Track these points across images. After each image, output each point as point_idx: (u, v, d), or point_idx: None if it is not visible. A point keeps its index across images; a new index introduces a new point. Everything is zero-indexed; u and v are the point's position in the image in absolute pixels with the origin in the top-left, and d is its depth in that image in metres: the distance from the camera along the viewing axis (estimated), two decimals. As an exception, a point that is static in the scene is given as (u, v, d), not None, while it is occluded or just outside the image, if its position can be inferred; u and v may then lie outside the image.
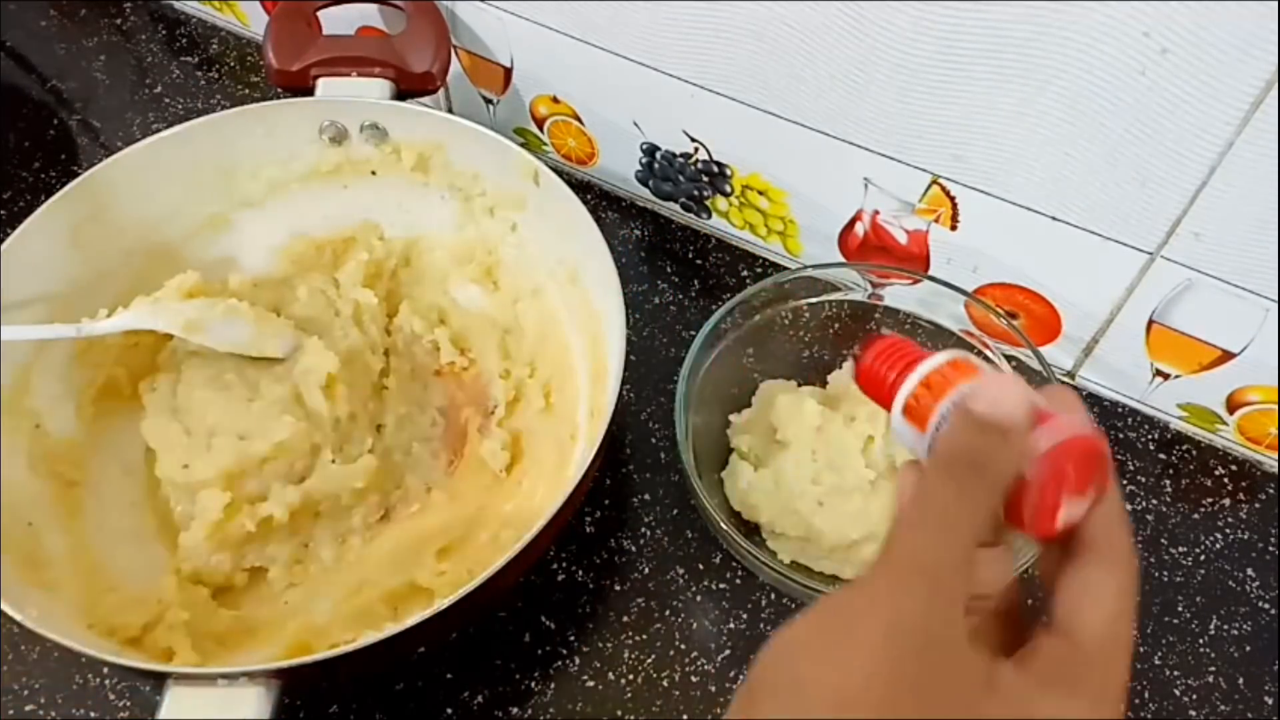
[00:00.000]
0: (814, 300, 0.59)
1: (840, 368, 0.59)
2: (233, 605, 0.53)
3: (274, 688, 0.43)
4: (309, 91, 0.60)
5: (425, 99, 0.62)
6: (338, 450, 0.55)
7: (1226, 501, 0.59)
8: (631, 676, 0.52)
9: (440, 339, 0.62)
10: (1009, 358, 0.56)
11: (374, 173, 0.62)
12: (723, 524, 0.49)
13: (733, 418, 0.58)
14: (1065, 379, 0.63)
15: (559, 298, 0.60)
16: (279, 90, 0.62)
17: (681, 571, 0.55)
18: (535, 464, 0.58)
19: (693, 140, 0.63)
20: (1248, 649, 0.54)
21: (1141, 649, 0.53)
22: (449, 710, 0.51)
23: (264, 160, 0.61)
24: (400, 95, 0.60)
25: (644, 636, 0.53)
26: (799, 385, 0.59)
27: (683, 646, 0.53)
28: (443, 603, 0.44)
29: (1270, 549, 0.57)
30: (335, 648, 0.45)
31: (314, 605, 0.54)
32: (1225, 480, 0.60)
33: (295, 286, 0.60)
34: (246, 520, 0.52)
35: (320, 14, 0.63)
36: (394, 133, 0.61)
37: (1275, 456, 0.59)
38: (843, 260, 0.64)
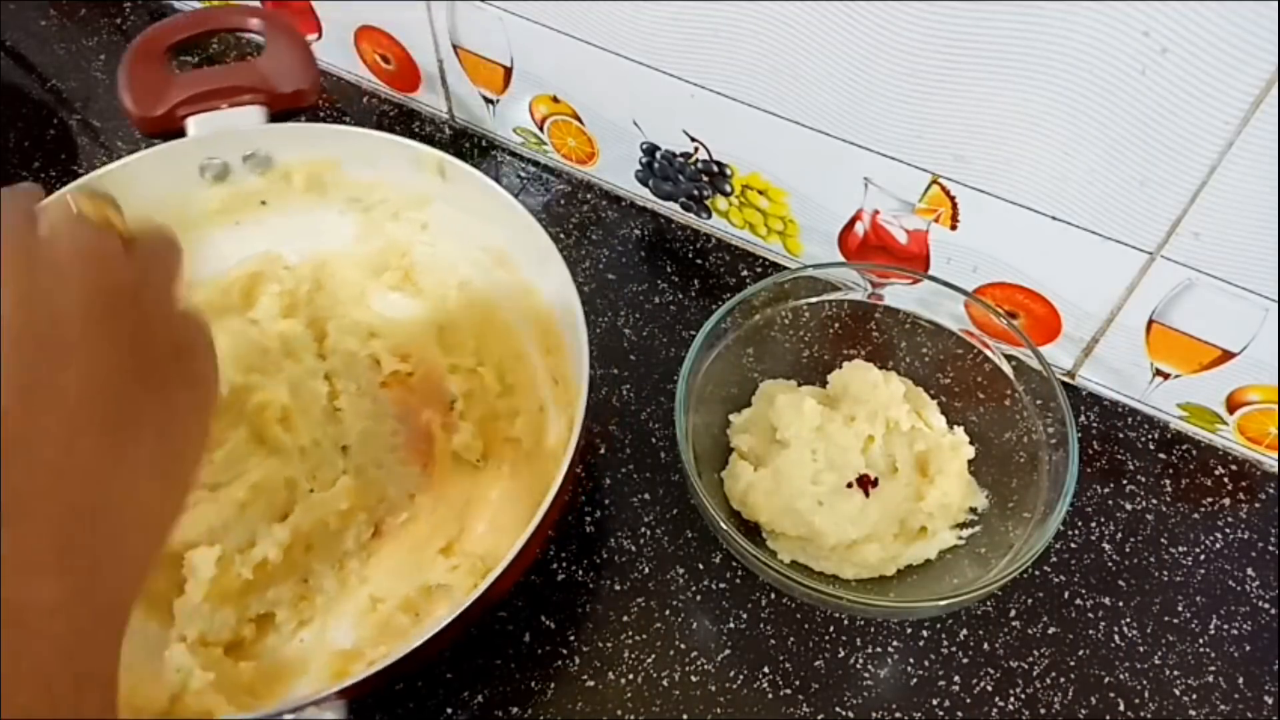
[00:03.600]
0: (814, 300, 0.59)
1: (840, 367, 0.59)
2: (253, 657, 0.52)
3: (340, 709, 0.42)
4: (181, 133, 0.58)
5: (422, 97, 0.62)
6: (312, 478, 0.55)
7: (1226, 501, 0.59)
8: (631, 676, 0.52)
9: (377, 352, 0.61)
10: (1009, 357, 0.56)
11: (264, 202, 0.61)
12: (722, 524, 0.49)
13: (733, 417, 0.58)
14: (1065, 378, 0.63)
15: (487, 282, 0.59)
16: (150, 139, 0.59)
17: (681, 571, 0.55)
18: (510, 445, 0.57)
19: (693, 140, 0.63)
20: (1248, 649, 0.54)
21: (1141, 649, 0.54)
22: (449, 710, 0.51)
23: (146, 214, 0.58)
24: (275, 118, 0.59)
25: (644, 636, 0.53)
26: (799, 385, 0.59)
27: (683, 646, 0.53)
28: (492, 575, 0.43)
29: (1270, 549, 0.57)
30: (373, 665, 0.43)
31: (332, 636, 0.53)
32: (1225, 480, 0.60)
33: (216, 335, 0.59)
34: (242, 569, 0.51)
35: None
36: (279, 157, 0.59)
37: (1275, 456, 0.59)
38: (843, 260, 0.64)
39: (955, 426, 0.57)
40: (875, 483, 0.55)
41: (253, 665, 0.51)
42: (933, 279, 0.57)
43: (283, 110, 0.59)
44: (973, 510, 0.55)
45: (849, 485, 0.54)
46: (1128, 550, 0.57)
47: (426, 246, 0.62)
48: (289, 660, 0.52)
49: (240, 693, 0.49)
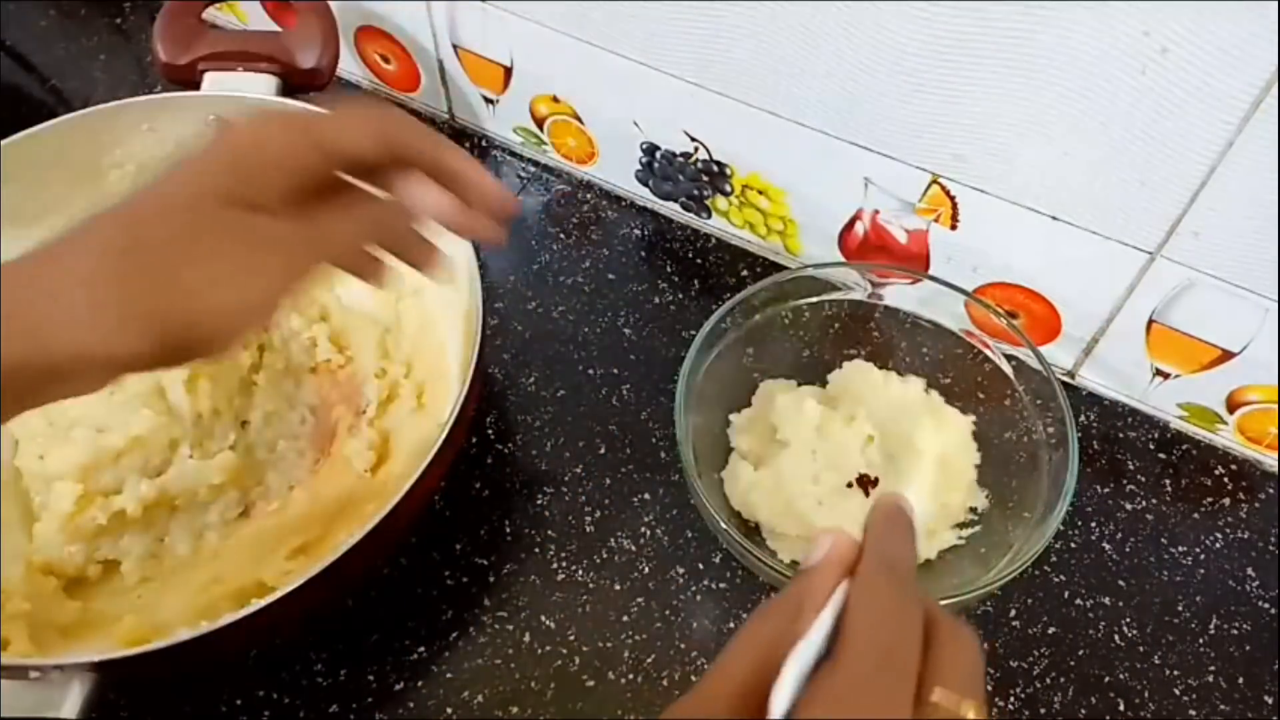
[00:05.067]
0: (814, 300, 0.59)
1: (840, 367, 0.59)
2: (85, 598, 0.53)
3: (87, 682, 0.43)
4: (197, 86, 0.61)
5: (422, 97, 0.62)
6: (196, 446, 0.55)
7: (1226, 501, 0.59)
8: (631, 676, 0.52)
9: (319, 335, 0.61)
10: (1009, 357, 0.56)
11: None
12: (723, 524, 0.49)
13: (733, 417, 0.58)
14: (1065, 378, 0.63)
15: (439, 297, 0.59)
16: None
17: (681, 571, 0.55)
18: (401, 464, 0.57)
19: (693, 140, 0.63)
20: (1248, 649, 0.54)
21: (1141, 649, 0.54)
22: (449, 710, 0.51)
23: (151, 154, 0.61)
24: (288, 92, 0.61)
25: (644, 636, 0.53)
26: (799, 385, 0.59)
27: (683, 646, 0.53)
28: (257, 603, 0.43)
29: (1270, 549, 0.57)
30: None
31: (163, 600, 0.53)
32: (1225, 480, 0.60)
33: None
34: (98, 513, 0.52)
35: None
36: None
37: (1275, 456, 0.59)
38: (842, 260, 0.64)
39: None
40: (875, 482, 0.55)
41: (78, 606, 0.52)
42: (933, 279, 0.57)
43: (296, 85, 0.61)
44: (973, 510, 0.55)
45: (849, 485, 0.54)
46: (1128, 550, 0.57)
47: None
48: (114, 612, 0.53)
49: (53, 632, 0.50)
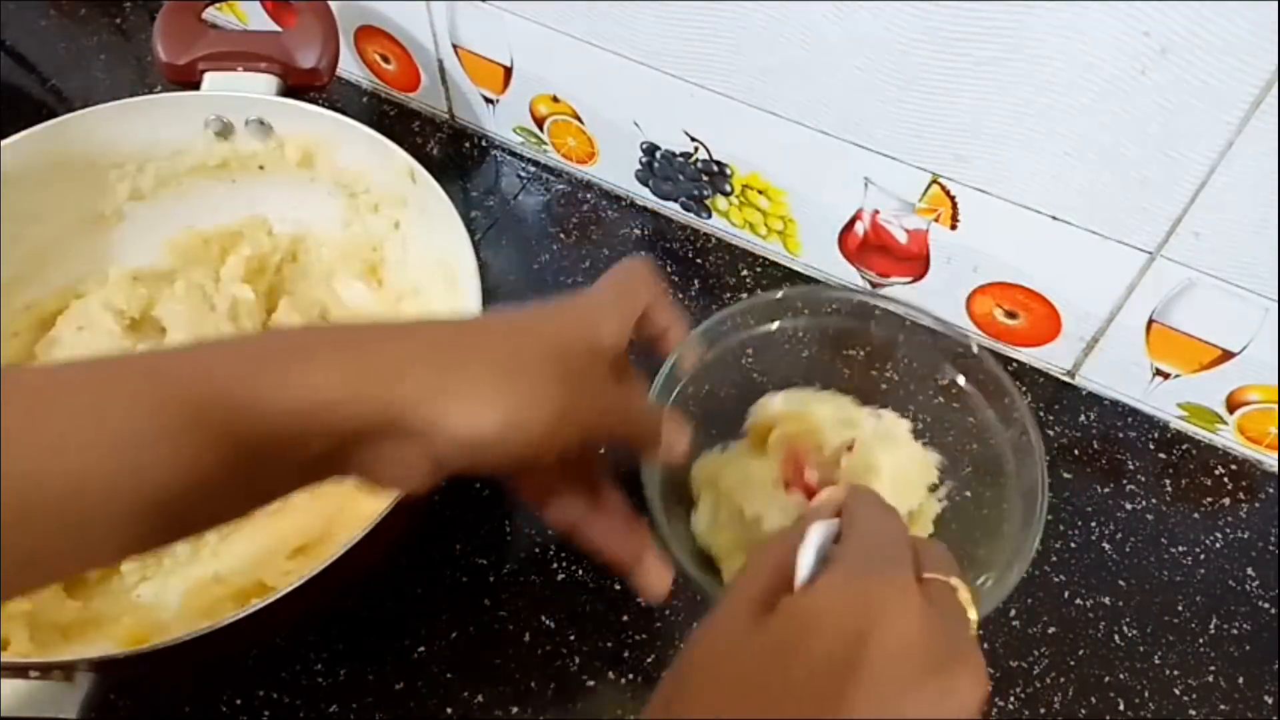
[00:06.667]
0: (813, 299, 0.58)
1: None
2: (85, 598, 0.53)
3: (86, 681, 0.43)
4: (196, 85, 0.61)
5: (422, 97, 0.62)
6: None
7: (1226, 501, 0.59)
8: (631, 676, 0.52)
9: None
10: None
11: (262, 168, 0.63)
12: (688, 567, 0.47)
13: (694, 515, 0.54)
14: (1065, 378, 0.63)
15: (439, 299, 0.60)
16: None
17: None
18: None
19: (693, 140, 0.63)
20: (1248, 649, 0.54)
21: (1141, 649, 0.54)
22: (449, 710, 0.51)
23: (150, 153, 0.61)
24: (288, 91, 0.61)
25: (644, 636, 0.53)
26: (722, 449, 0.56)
27: (683, 646, 0.53)
28: (257, 603, 0.43)
29: (1270, 549, 0.57)
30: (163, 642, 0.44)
31: (163, 600, 0.54)
32: (1225, 480, 0.60)
33: (175, 281, 0.61)
34: None
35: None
36: (279, 128, 0.61)
37: (1275, 456, 0.59)
38: (842, 259, 0.64)
39: (884, 409, 0.55)
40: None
41: (78, 606, 0.52)
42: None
43: (296, 85, 0.61)
44: (940, 469, 0.54)
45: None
46: (1128, 550, 0.57)
47: (396, 246, 0.62)
48: (114, 612, 0.53)
49: (53, 631, 0.50)
